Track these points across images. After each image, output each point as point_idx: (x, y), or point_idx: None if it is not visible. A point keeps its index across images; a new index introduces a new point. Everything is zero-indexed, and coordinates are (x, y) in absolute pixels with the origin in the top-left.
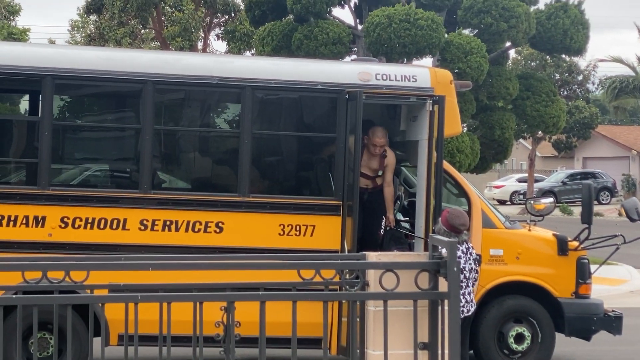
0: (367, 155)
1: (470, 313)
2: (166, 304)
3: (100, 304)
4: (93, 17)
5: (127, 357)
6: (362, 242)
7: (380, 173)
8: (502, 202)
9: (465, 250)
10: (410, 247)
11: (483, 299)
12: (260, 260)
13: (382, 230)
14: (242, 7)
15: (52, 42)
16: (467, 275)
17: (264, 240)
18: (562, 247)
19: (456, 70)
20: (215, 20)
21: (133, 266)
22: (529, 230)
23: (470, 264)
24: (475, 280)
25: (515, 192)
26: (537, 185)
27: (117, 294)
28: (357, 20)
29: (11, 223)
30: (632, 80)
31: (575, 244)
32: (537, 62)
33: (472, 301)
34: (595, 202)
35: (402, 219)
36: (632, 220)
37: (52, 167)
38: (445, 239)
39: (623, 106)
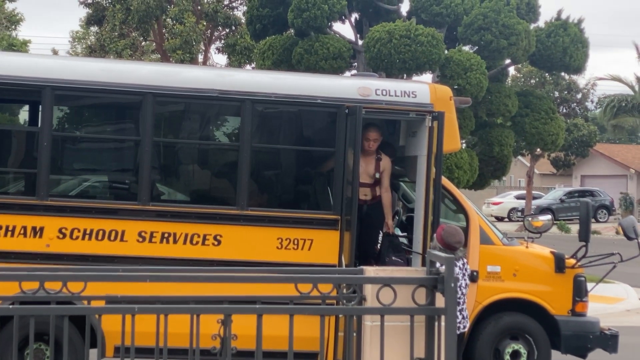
0: (363, 159)
1: (466, 329)
2: (163, 316)
3: (97, 316)
4: (94, 29)
5: None
6: (361, 255)
7: (377, 176)
8: (499, 219)
9: (461, 266)
10: (408, 262)
11: (480, 315)
12: (257, 273)
13: (379, 243)
14: (243, 21)
15: (55, 52)
16: (464, 291)
17: (262, 254)
18: (560, 264)
19: (456, 87)
20: (216, 34)
21: (130, 277)
22: (527, 247)
23: (465, 279)
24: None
25: (513, 209)
26: (535, 203)
27: (114, 305)
28: (358, 36)
29: (9, 233)
30: (630, 99)
31: (573, 261)
32: (537, 79)
33: (467, 317)
34: (593, 220)
35: (400, 234)
36: (629, 238)
37: (51, 177)
38: (444, 254)
39: (621, 125)
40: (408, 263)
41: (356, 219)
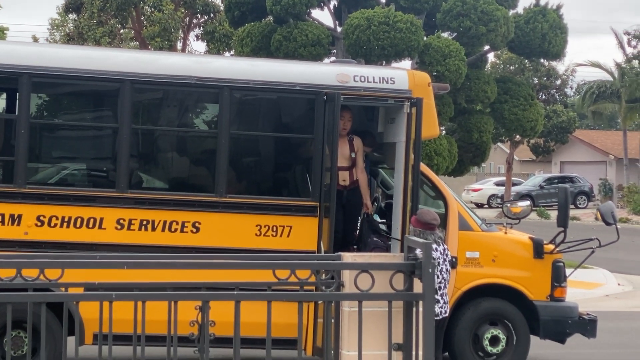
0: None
1: (447, 314)
2: (141, 303)
3: (74, 303)
4: (72, 16)
5: (101, 357)
6: (342, 241)
7: (353, 155)
8: (479, 206)
9: (442, 251)
10: (387, 247)
11: (459, 301)
12: (235, 260)
13: (358, 227)
14: (221, 8)
15: (35, 39)
16: (445, 276)
17: (241, 241)
18: (538, 250)
19: (435, 73)
20: (194, 21)
21: (108, 264)
22: (505, 233)
23: (446, 265)
24: (447, 282)
25: (492, 196)
26: (514, 189)
27: (91, 292)
28: (337, 22)
29: None
30: (610, 86)
31: (551, 247)
32: (516, 66)
33: (447, 303)
34: (572, 206)
35: (379, 220)
36: (607, 224)
37: (29, 165)
38: (421, 240)
39: (600, 111)
40: (387, 247)
41: (335, 206)
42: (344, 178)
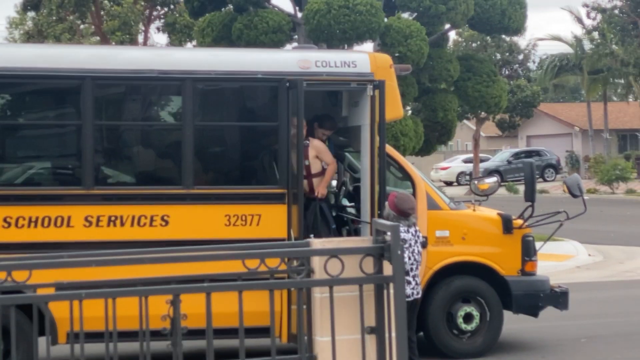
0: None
1: (419, 295)
2: (111, 300)
3: (44, 303)
4: (31, 14)
5: (73, 355)
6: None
7: (307, 162)
8: (448, 184)
9: (414, 232)
10: (357, 232)
11: (431, 280)
12: (204, 252)
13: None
14: None
15: None
16: (417, 258)
17: (211, 232)
18: (507, 225)
19: (397, 54)
20: (155, 13)
21: (76, 263)
22: (474, 210)
23: (418, 246)
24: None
25: (461, 173)
26: (482, 165)
27: (61, 292)
28: (297, 8)
29: None
30: (571, 58)
31: (520, 222)
32: (478, 43)
33: (419, 284)
34: (540, 179)
35: (348, 204)
36: (574, 196)
37: None
38: (389, 222)
39: (563, 84)
40: (351, 232)
41: (302, 192)
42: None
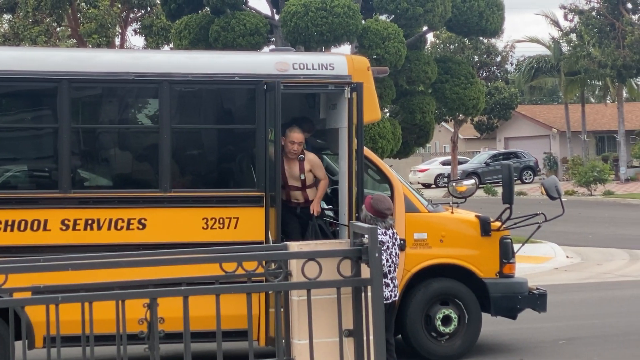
0: (286, 161)
1: (397, 298)
2: (88, 304)
3: (21, 307)
4: (7, 17)
5: (49, 359)
6: None
7: (302, 177)
8: (427, 186)
9: (392, 235)
10: (335, 235)
11: (409, 283)
12: (181, 255)
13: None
14: (158, 1)
15: None
16: (395, 260)
17: (188, 235)
18: (485, 228)
19: (374, 57)
20: (131, 16)
21: (52, 267)
22: (452, 212)
23: (395, 248)
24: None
25: (439, 175)
26: (460, 168)
27: (37, 296)
28: (274, 10)
29: None
30: (548, 60)
31: (498, 224)
32: (456, 45)
33: (397, 286)
34: (519, 181)
35: (326, 207)
36: (552, 198)
37: None
38: (366, 225)
39: (541, 85)
40: (329, 234)
41: (280, 196)
42: (296, 197)
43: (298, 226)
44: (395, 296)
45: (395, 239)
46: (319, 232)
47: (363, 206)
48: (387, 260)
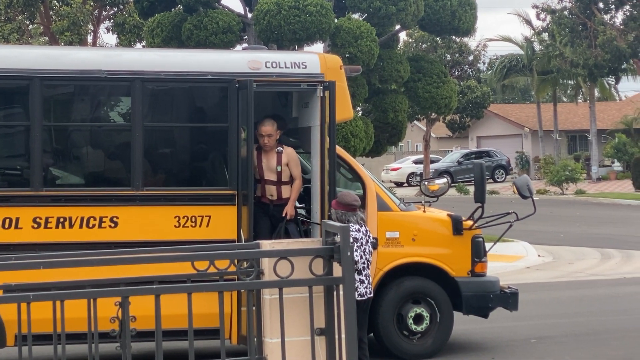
0: (264, 154)
1: (371, 295)
2: (59, 302)
3: None
4: None
5: (21, 358)
6: None
7: (279, 169)
8: (399, 184)
9: (365, 232)
10: (307, 233)
11: (381, 281)
12: (153, 253)
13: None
14: None
15: None
16: (369, 257)
17: (160, 233)
18: (457, 226)
19: (347, 55)
20: (104, 13)
21: (23, 265)
22: (424, 211)
23: (368, 246)
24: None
25: (411, 174)
26: (432, 166)
27: (8, 294)
28: (247, 9)
29: None
30: (521, 59)
31: (470, 223)
32: (428, 44)
33: (371, 283)
34: (491, 180)
35: (298, 205)
36: (524, 197)
37: None
38: (338, 224)
39: (513, 84)
40: (301, 233)
41: (253, 194)
42: (271, 192)
43: (268, 226)
44: (370, 293)
45: (369, 236)
46: (286, 235)
47: (332, 209)
48: (362, 257)
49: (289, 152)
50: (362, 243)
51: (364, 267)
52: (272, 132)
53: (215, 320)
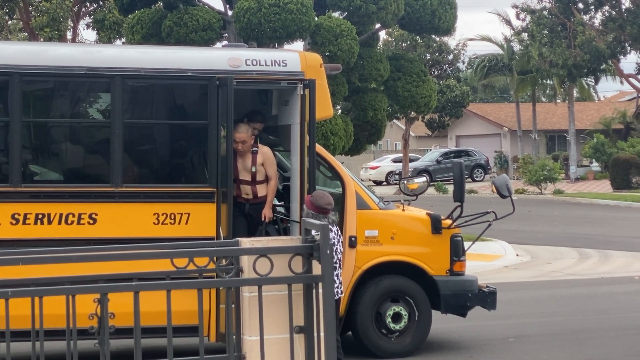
0: (239, 154)
1: (342, 294)
2: (38, 299)
3: None
4: None
5: None
6: None
7: (254, 169)
8: (378, 183)
9: (336, 231)
10: (286, 232)
11: (360, 279)
12: (132, 250)
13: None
14: None
15: None
16: (340, 257)
17: (139, 230)
18: (436, 225)
19: (327, 53)
20: (84, 9)
21: (2, 262)
22: (403, 210)
23: (340, 245)
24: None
25: (390, 173)
26: (412, 165)
27: None
28: (227, 6)
29: None
30: (500, 59)
31: (449, 222)
32: (408, 42)
33: (342, 283)
34: (469, 179)
35: (278, 203)
36: (502, 196)
37: None
38: (318, 222)
39: (492, 84)
40: (280, 231)
41: (232, 194)
42: (246, 192)
43: (245, 225)
44: (341, 293)
45: (340, 236)
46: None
47: (304, 205)
48: (333, 257)
49: (264, 152)
50: (334, 243)
51: (335, 267)
52: (246, 138)
53: (193, 318)
